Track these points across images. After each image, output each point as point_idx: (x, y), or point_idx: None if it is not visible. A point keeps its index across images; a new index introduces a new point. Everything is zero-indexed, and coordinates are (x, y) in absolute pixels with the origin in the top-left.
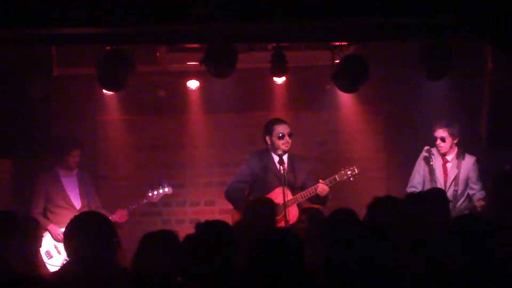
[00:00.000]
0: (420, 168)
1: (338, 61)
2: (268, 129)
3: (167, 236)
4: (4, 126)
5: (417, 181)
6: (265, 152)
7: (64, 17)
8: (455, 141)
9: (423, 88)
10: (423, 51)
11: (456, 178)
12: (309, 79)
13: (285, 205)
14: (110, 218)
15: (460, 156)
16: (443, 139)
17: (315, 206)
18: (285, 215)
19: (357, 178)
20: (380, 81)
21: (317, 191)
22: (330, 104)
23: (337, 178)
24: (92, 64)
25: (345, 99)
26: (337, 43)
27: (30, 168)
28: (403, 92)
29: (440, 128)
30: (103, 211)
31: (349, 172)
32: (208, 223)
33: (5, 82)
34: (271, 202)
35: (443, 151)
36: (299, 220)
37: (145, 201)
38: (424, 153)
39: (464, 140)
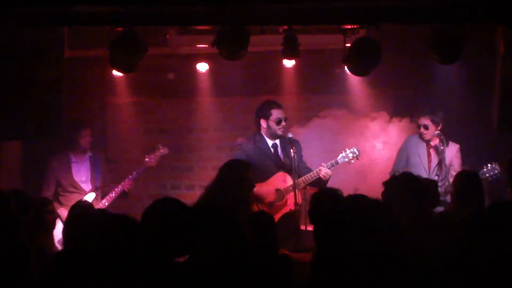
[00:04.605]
0: (403, 153)
1: (349, 44)
2: (265, 113)
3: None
4: (15, 108)
5: (401, 165)
6: (258, 136)
7: None
8: (438, 128)
9: (434, 73)
10: (435, 35)
11: (439, 164)
12: (319, 63)
13: (294, 187)
14: (116, 189)
15: (442, 142)
16: (426, 127)
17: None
18: (295, 198)
19: (358, 159)
20: (390, 65)
21: (321, 175)
22: (339, 88)
23: (339, 161)
24: (102, 46)
25: (355, 83)
26: (349, 26)
27: (40, 151)
28: (414, 76)
29: (423, 116)
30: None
31: (350, 155)
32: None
33: (17, 64)
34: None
35: (427, 138)
36: None
37: (143, 167)
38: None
39: (474, 125)
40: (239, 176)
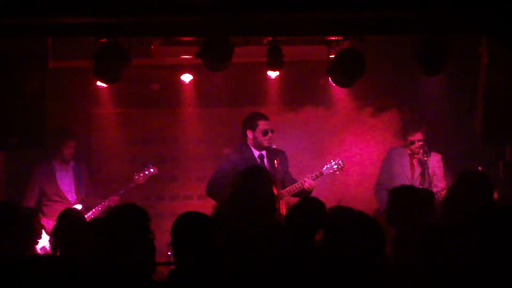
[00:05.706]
0: (386, 165)
1: (333, 56)
2: (251, 124)
3: None
4: None
5: (385, 176)
6: (245, 147)
7: (63, 7)
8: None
9: (419, 84)
10: (420, 46)
11: (421, 174)
12: (303, 74)
13: (277, 198)
14: (103, 203)
15: (425, 153)
16: (421, 140)
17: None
18: (278, 209)
19: (343, 171)
20: (374, 77)
21: (305, 187)
22: (323, 99)
23: (323, 173)
24: (86, 57)
25: (339, 94)
26: (333, 38)
27: (24, 161)
28: (398, 87)
29: (416, 132)
30: (96, 199)
31: (335, 166)
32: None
33: (1, 74)
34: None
35: (417, 150)
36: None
37: (132, 184)
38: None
39: (459, 136)
40: (254, 185)
